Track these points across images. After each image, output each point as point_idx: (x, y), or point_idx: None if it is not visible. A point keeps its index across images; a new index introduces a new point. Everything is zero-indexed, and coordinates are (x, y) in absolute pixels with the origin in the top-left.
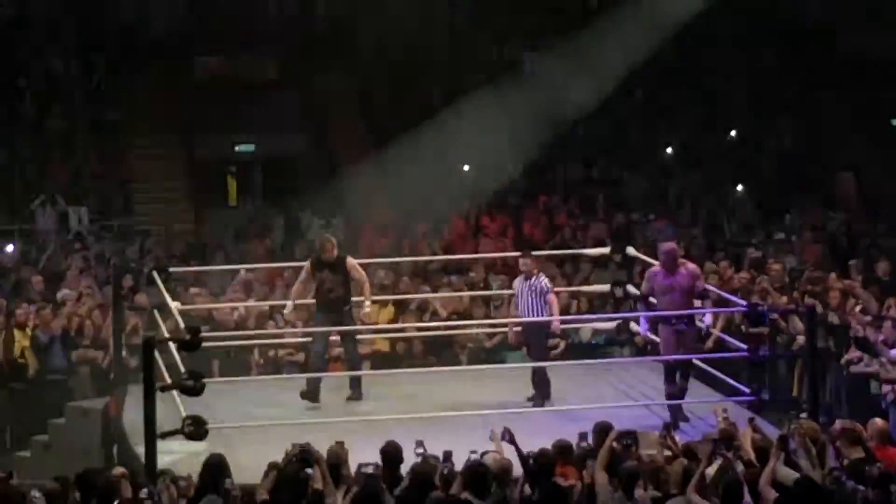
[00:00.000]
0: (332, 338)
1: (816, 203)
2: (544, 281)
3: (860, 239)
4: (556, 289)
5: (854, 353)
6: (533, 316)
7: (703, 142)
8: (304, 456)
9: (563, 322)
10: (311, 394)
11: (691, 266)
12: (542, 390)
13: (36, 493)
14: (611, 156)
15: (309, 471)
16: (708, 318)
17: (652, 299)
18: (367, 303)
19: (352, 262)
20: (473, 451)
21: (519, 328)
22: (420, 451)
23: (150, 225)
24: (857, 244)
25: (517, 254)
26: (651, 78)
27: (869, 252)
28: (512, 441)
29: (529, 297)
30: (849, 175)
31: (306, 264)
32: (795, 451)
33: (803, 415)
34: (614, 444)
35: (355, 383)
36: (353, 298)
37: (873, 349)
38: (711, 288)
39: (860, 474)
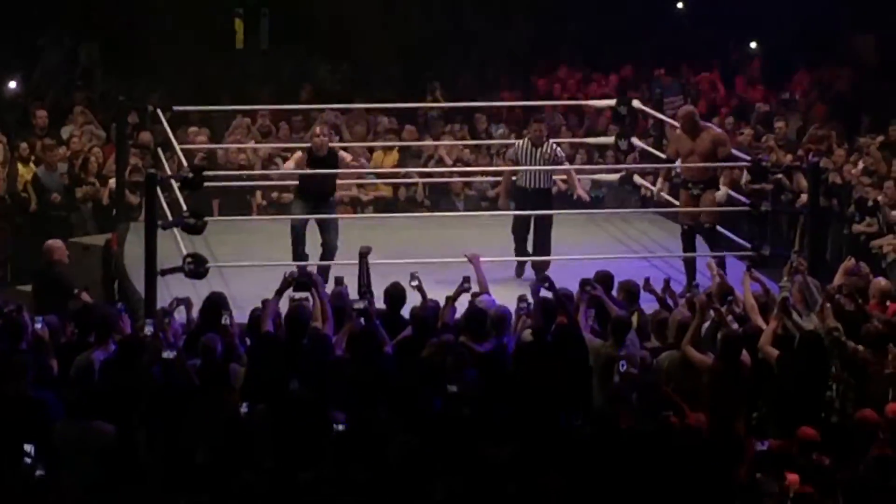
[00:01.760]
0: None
1: (829, 63)
2: (557, 150)
3: (870, 99)
4: (560, 140)
5: None
6: (538, 185)
7: None
8: (303, 279)
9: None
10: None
11: (716, 131)
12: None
13: (38, 325)
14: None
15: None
16: (721, 194)
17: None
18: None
19: (344, 157)
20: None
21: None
22: (415, 283)
23: (158, 65)
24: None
25: (523, 103)
26: None
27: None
28: (476, 266)
29: (536, 164)
30: (868, 38)
31: (299, 154)
32: (794, 306)
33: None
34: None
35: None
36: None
37: (874, 209)
38: (736, 153)
39: (856, 330)
